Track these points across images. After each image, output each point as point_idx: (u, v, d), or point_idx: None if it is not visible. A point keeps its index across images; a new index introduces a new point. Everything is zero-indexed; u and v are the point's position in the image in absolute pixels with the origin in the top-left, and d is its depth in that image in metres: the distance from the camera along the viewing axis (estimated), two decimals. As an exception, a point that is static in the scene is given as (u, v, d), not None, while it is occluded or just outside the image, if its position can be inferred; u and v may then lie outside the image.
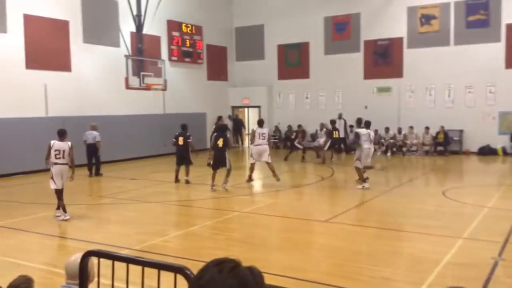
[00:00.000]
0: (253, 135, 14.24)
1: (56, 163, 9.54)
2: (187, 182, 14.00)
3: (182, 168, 14.20)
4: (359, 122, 13.77)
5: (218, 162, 12.82)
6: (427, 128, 20.66)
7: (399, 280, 6.14)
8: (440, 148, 20.67)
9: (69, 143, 9.72)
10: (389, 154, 20.97)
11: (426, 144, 20.89)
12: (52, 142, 9.72)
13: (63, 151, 9.57)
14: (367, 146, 12.86)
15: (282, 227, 9.37)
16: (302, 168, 18.14)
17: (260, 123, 14.60)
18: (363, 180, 12.85)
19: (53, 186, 9.58)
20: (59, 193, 9.59)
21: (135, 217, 10.01)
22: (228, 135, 14.54)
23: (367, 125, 13.24)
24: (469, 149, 20.76)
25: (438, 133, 20.60)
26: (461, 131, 20.70)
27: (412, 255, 7.18)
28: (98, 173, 16.00)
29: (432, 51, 21.16)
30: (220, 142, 12.78)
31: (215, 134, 13.66)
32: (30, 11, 16.52)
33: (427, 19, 21.29)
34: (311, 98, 24.37)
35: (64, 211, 9.63)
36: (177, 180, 14.25)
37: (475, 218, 9.26)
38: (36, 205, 11.13)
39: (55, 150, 9.57)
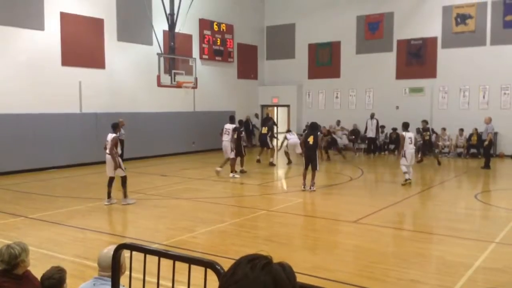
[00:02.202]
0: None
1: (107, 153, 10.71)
2: (242, 172, 15.28)
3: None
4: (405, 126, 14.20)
5: (308, 161, 12.49)
6: (461, 130, 20.23)
7: (428, 283, 6.05)
8: (473, 150, 20.22)
9: (113, 135, 10.74)
10: (420, 155, 20.57)
11: (459, 146, 20.47)
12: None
13: (107, 141, 10.69)
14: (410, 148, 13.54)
15: (309, 227, 9.35)
16: (330, 168, 18.03)
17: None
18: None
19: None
20: (109, 180, 10.69)
21: (164, 213, 10.15)
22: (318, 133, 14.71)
23: (407, 127, 14.06)
24: (503, 152, 20.25)
25: (471, 135, 20.14)
26: (495, 134, 20.18)
27: (442, 258, 7.06)
28: None
29: (467, 51, 20.71)
30: (310, 140, 12.42)
31: (305, 132, 13.44)
32: (66, 9, 16.91)
33: (462, 18, 20.84)
34: (341, 97, 24.20)
35: (108, 196, 10.62)
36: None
37: (508, 222, 9.04)
38: (69, 198, 11.41)
39: (106, 141, 10.75)
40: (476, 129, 19.92)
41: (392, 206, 10.93)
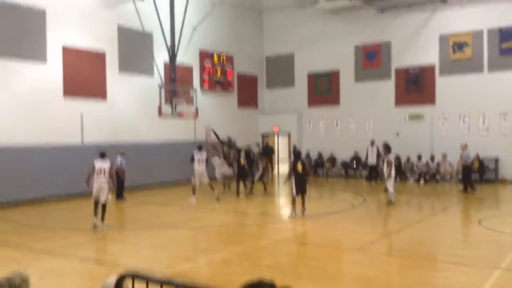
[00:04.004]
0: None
1: (96, 181, 10.81)
2: (247, 195, 16.24)
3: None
4: (389, 149, 14.73)
5: (299, 187, 12.42)
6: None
7: (434, 311, 5.97)
8: (475, 176, 20.15)
9: (109, 163, 11.06)
10: (422, 182, 20.58)
11: (461, 172, 20.39)
12: (95, 161, 11.03)
13: (104, 169, 10.84)
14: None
15: (312, 255, 9.26)
16: (332, 195, 17.98)
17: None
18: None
19: (93, 199, 11.03)
20: (95, 205, 10.92)
21: (166, 243, 10.08)
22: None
23: (390, 150, 14.76)
24: (505, 177, 20.21)
25: (472, 161, 20.10)
26: (496, 160, 20.19)
27: (447, 286, 6.98)
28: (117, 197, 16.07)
29: (465, 78, 20.88)
30: (299, 167, 12.45)
31: (293, 159, 13.34)
32: (69, 43, 17.15)
33: (459, 46, 21.10)
34: (341, 125, 24.30)
35: (95, 214, 10.95)
36: (238, 194, 16.32)
37: (513, 249, 8.96)
38: (70, 230, 11.34)
39: (98, 169, 10.83)
40: (478, 155, 19.92)
41: (396, 234, 10.85)
